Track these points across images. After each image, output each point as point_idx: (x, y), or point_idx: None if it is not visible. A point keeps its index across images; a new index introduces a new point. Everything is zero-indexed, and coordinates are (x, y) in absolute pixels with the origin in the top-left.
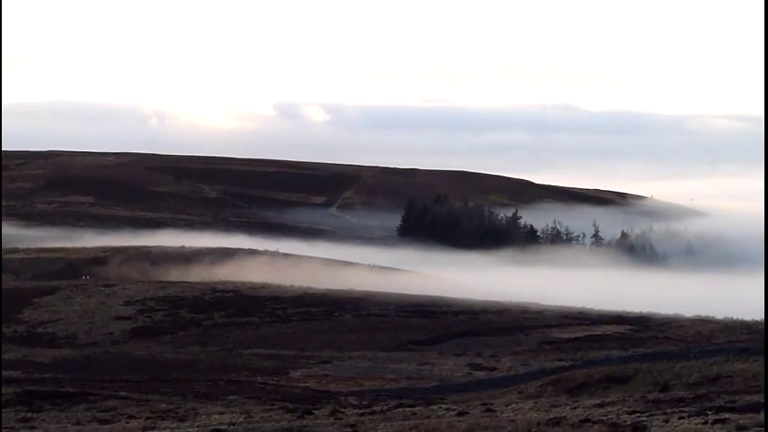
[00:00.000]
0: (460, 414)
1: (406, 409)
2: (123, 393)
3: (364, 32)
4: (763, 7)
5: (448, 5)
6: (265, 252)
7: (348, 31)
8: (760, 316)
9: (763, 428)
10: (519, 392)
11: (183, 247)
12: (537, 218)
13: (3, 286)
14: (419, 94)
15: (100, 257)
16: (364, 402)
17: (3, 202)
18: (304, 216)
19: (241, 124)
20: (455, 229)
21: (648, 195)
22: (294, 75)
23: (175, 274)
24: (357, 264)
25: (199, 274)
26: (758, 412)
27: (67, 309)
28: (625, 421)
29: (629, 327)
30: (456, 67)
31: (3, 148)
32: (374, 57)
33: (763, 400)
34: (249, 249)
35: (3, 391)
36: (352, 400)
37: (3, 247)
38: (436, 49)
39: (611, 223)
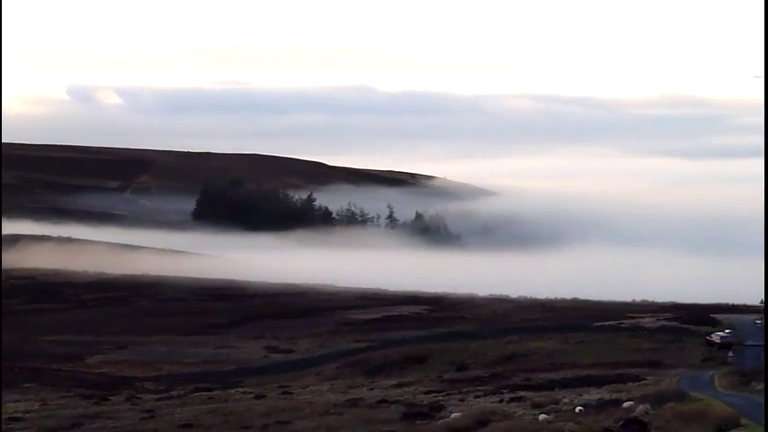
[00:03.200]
0: (258, 397)
1: (204, 393)
2: None
3: (156, 16)
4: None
5: None
6: (51, 238)
7: (140, 14)
8: (554, 294)
9: (555, 405)
10: (317, 374)
11: None
12: (332, 200)
13: None
14: (213, 77)
15: None
16: (161, 387)
17: None
18: (98, 201)
19: (33, 109)
20: (250, 211)
21: (443, 176)
22: (86, 58)
23: None
24: (150, 248)
25: None
26: (553, 389)
27: None
28: (422, 401)
29: (425, 307)
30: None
31: None
32: (167, 40)
33: (557, 377)
34: (34, 235)
35: None
36: (149, 385)
37: None
38: (229, 32)
39: (406, 204)
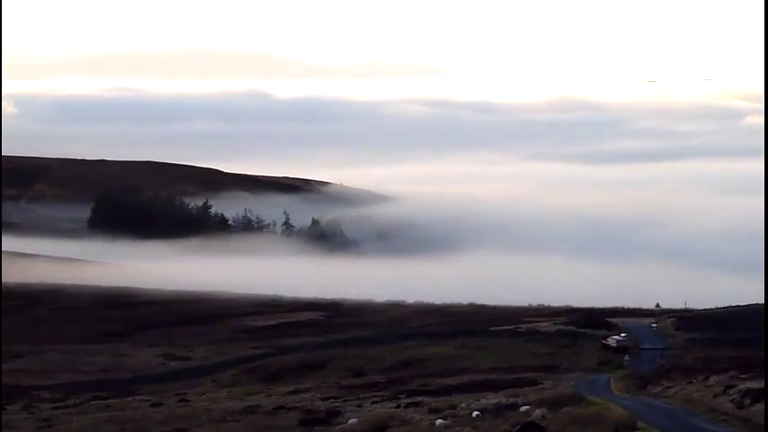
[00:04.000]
0: (155, 405)
1: (101, 401)
2: None
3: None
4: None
5: None
6: None
7: (34, 20)
8: (450, 299)
9: (452, 410)
10: (214, 382)
11: None
12: (228, 206)
13: None
14: (107, 85)
15: None
16: (58, 396)
17: None
18: None
19: None
20: (146, 219)
21: (339, 182)
22: None
23: None
24: (46, 256)
25: None
26: (450, 395)
27: None
28: (320, 407)
29: (322, 313)
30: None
31: None
32: (59, 47)
33: (454, 382)
34: None
35: None
36: (45, 394)
37: None
38: (122, 39)
39: (302, 211)
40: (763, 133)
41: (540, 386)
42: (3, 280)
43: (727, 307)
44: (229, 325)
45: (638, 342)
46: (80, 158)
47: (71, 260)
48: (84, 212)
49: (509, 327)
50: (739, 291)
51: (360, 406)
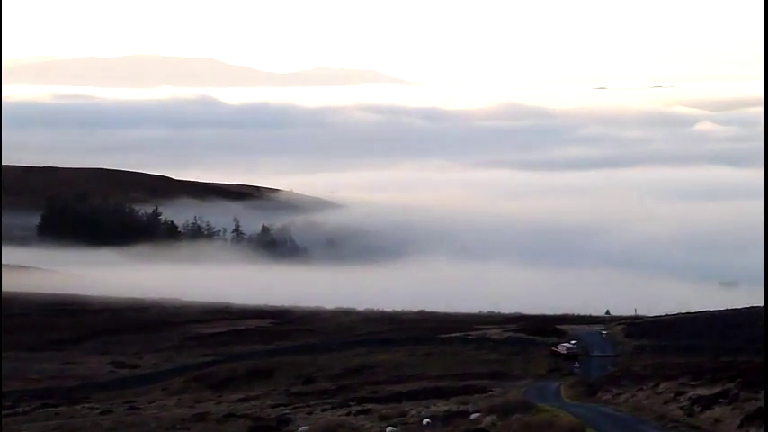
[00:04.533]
0: (104, 412)
1: (50, 408)
2: None
3: None
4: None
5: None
6: None
7: None
8: (400, 307)
9: (402, 417)
10: (163, 389)
11: None
12: (177, 213)
13: None
14: (55, 91)
15: None
16: (7, 403)
17: None
18: None
19: None
20: (95, 226)
21: (289, 189)
22: None
23: None
24: None
25: None
26: (400, 402)
27: None
28: (269, 415)
29: (271, 320)
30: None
31: None
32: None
33: (404, 389)
34: None
35: None
36: None
37: None
38: (70, 45)
39: (251, 218)
40: (719, 140)
41: (490, 393)
42: None
43: (677, 314)
44: (178, 332)
45: (588, 349)
46: (28, 165)
47: (20, 267)
48: (33, 220)
49: (459, 334)
50: (689, 297)
51: (309, 413)
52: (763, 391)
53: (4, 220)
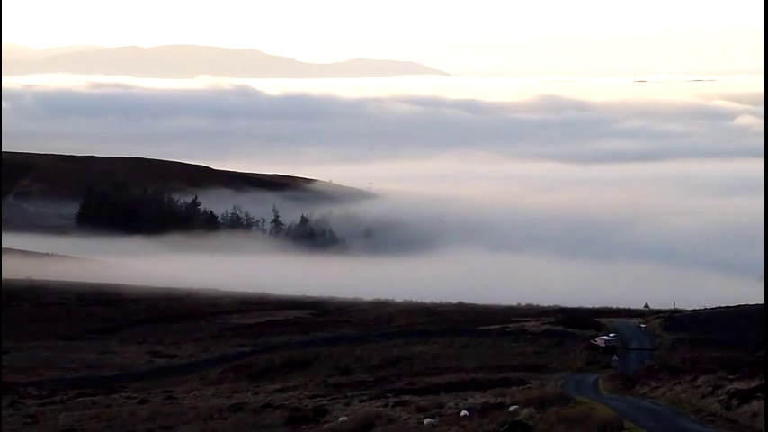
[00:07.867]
0: (142, 402)
1: (87, 398)
2: None
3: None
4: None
5: None
6: None
7: (23, 16)
8: (438, 298)
9: (439, 409)
10: (200, 379)
11: None
12: (217, 203)
13: None
14: (95, 80)
15: None
16: (44, 392)
17: None
18: None
19: None
20: (134, 215)
21: (327, 180)
22: None
23: None
24: (32, 252)
25: None
26: (437, 394)
27: None
28: (306, 405)
29: (309, 311)
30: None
31: None
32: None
33: (441, 381)
34: None
35: None
36: (32, 390)
37: None
38: (111, 35)
39: (290, 208)
40: (759, 135)
41: (528, 386)
42: None
43: (716, 307)
44: (216, 322)
45: (627, 342)
46: (67, 155)
47: (58, 256)
48: (72, 209)
49: (497, 326)
50: (728, 291)
51: (347, 404)
52: None
53: (42, 209)
